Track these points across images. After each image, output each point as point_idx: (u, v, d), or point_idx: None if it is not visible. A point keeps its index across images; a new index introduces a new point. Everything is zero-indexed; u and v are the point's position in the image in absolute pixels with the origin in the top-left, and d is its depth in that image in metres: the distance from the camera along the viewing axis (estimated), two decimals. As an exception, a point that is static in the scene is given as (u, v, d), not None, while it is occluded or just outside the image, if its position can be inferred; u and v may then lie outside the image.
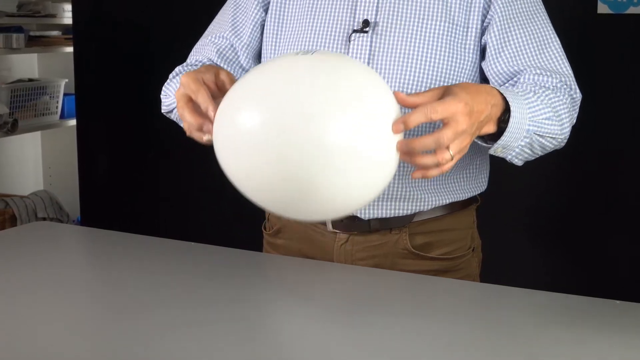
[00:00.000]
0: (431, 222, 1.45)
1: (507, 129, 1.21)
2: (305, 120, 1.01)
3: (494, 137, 1.23)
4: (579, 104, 1.38)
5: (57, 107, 3.75)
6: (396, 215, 1.41)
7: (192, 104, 1.17)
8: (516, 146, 1.25)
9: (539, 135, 1.27)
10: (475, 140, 1.23)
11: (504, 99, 1.20)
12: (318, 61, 1.07)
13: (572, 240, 2.57)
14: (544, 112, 1.27)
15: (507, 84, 1.37)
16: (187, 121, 1.17)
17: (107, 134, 3.26)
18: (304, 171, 1.02)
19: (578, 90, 1.38)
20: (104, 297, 1.28)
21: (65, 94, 3.75)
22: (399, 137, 1.08)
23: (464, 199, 1.48)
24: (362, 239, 1.43)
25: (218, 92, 1.19)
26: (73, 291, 1.30)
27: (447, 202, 1.45)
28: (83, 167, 3.30)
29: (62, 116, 3.78)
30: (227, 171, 1.09)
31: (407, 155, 1.10)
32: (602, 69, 2.45)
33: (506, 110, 1.20)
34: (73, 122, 3.52)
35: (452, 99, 1.10)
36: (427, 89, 1.36)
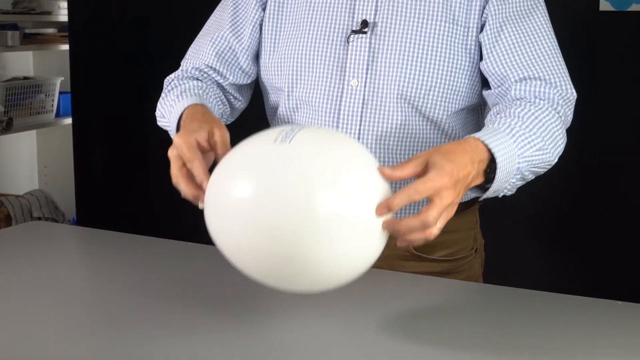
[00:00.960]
0: (432, 224, 1.45)
1: (495, 180, 1.19)
2: (293, 200, 1.02)
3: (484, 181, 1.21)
4: (573, 103, 1.37)
5: (52, 106, 3.75)
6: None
7: (187, 171, 1.17)
8: (507, 185, 1.23)
9: (531, 167, 1.25)
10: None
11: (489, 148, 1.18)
12: (302, 142, 1.08)
13: (576, 240, 2.57)
14: (534, 143, 1.24)
15: (500, 89, 1.36)
16: (182, 191, 1.18)
17: (103, 132, 3.26)
18: (292, 246, 1.03)
19: (573, 90, 1.36)
20: (100, 298, 1.28)
21: (60, 93, 3.74)
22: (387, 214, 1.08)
23: (466, 199, 1.47)
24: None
25: (210, 150, 1.19)
26: (69, 292, 1.29)
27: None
28: (79, 166, 3.30)
29: (58, 115, 3.78)
30: (218, 242, 1.10)
31: (394, 233, 1.09)
32: (603, 67, 2.45)
33: (493, 159, 1.18)
34: (69, 120, 3.52)
35: (436, 174, 1.08)
36: (427, 90, 1.36)
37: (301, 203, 1.02)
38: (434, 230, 1.09)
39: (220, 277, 1.34)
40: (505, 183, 1.22)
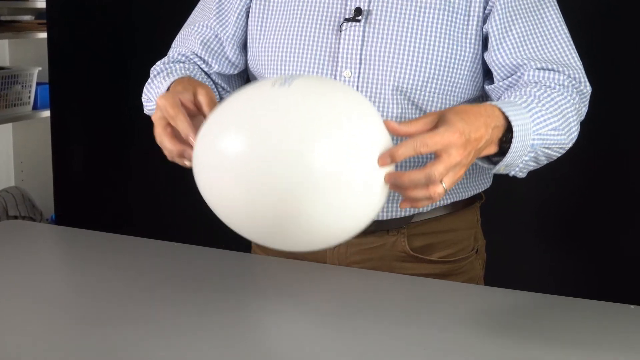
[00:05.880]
0: (431, 223, 1.45)
1: (510, 150, 1.20)
2: (290, 145, 1.02)
3: (497, 154, 1.22)
4: (588, 98, 1.38)
5: (29, 97, 3.74)
6: (394, 217, 1.41)
7: (171, 129, 1.18)
8: (520, 162, 1.24)
9: (545, 147, 1.26)
10: (477, 160, 1.22)
11: (506, 117, 1.19)
12: (303, 86, 1.08)
13: (583, 239, 2.57)
14: (550, 122, 1.25)
15: (509, 79, 1.36)
16: (167, 148, 1.18)
17: (83, 126, 3.25)
18: (288, 197, 1.02)
19: (588, 84, 1.37)
20: (80, 301, 1.28)
21: (38, 83, 3.74)
22: (389, 167, 1.08)
23: (466, 197, 1.48)
24: (357, 241, 1.41)
25: (196, 112, 1.20)
26: (47, 295, 1.29)
27: (449, 201, 1.45)
28: (57, 162, 3.29)
29: (35, 107, 3.78)
30: (208, 198, 1.10)
31: (396, 188, 1.09)
32: (613, 58, 2.45)
33: (508, 129, 1.19)
34: (47, 113, 3.51)
35: (446, 129, 1.09)
36: (424, 82, 1.36)
37: (296, 153, 1.01)
38: (439, 189, 1.09)
39: (208, 279, 1.35)
40: (518, 159, 1.23)
